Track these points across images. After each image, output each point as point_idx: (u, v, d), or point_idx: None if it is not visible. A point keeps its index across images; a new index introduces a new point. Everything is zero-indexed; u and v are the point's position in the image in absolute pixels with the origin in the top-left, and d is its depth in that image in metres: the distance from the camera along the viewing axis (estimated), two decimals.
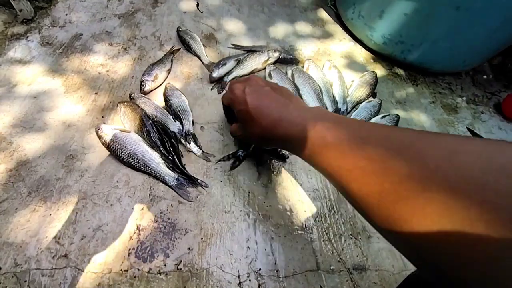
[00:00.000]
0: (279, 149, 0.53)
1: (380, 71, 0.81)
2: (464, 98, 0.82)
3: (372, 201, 0.23)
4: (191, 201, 0.45)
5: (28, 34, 0.65)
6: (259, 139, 0.38)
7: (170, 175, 0.46)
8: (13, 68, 0.57)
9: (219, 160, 0.51)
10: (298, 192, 0.50)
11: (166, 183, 0.46)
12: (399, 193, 0.21)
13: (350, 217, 0.49)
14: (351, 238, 0.47)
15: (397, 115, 0.66)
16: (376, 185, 0.23)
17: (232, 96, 0.40)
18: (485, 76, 0.92)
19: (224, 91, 0.60)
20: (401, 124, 0.67)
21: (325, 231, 0.47)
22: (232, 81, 0.43)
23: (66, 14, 0.71)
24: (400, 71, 0.82)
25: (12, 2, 0.63)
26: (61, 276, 0.36)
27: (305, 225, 0.47)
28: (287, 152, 0.53)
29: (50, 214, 0.40)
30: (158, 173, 0.46)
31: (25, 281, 0.35)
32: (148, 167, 0.46)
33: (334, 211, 0.50)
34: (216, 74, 0.64)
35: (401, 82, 0.80)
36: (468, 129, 0.73)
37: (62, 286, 0.35)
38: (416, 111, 0.73)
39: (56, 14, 0.71)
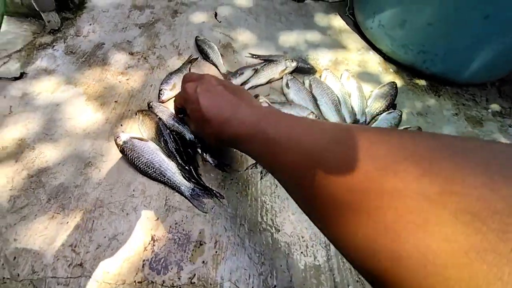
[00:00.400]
0: None
1: (400, 81, 0.78)
2: (490, 110, 0.78)
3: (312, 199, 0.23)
4: (206, 212, 0.45)
5: (54, 44, 0.67)
6: (212, 138, 0.38)
7: (185, 185, 0.46)
8: (39, 76, 0.59)
9: (248, 168, 0.50)
10: None
11: (181, 193, 0.46)
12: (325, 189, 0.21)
13: None
14: None
15: (419, 127, 0.64)
16: (311, 181, 0.23)
17: (184, 95, 0.40)
18: (511, 86, 0.87)
19: None
20: None
21: None
22: (185, 79, 0.43)
23: (90, 24, 0.74)
24: (422, 82, 0.80)
25: (42, 14, 0.66)
26: (76, 285, 0.36)
27: (323, 241, 0.45)
28: None
29: (68, 222, 0.41)
30: (174, 183, 0.46)
31: None
32: (165, 177, 0.46)
33: None
34: (235, 82, 0.64)
35: (422, 93, 0.77)
36: None
37: None
38: (439, 123, 0.70)
39: (80, 24, 0.74)
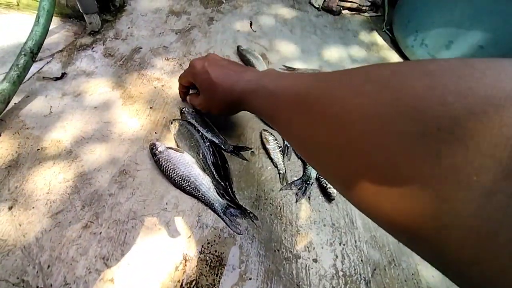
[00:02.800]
0: (324, 184, 0.49)
1: None
2: None
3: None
4: (239, 233, 0.43)
5: (93, 45, 0.68)
6: (221, 103, 0.42)
7: (219, 202, 0.44)
8: (79, 77, 0.60)
9: (282, 188, 0.48)
10: (354, 236, 0.46)
11: (214, 211, 0.44)
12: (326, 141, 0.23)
13: (413, 274, 0.43)
14: None
15: None
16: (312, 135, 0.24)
17: (193, 70, 0.44)
18: None
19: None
20: None
21: (385, 287, 0.41)
22: (191, 60, 0.47)
23: (129, 28, 0.75)
24: None
25: (84, 16, 0.67)
26: None
27: (362, 275, 0.42)
28: (334, 193, 0.48)
29: (101, 232, 0.40)
30: (208, 199, 0.44)
31: None
32: (199, 192, 0.44)
33: (395, 264, 0.44)
34: None
35: None
36: None
37: None
38: None
39: (119, 27, 0.74)
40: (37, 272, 0.35)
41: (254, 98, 0.36)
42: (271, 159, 0.52)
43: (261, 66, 0.68)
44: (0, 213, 0.39)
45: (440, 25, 0.69)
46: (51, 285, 0.35)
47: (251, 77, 0.38)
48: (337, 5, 0.95)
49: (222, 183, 0.46)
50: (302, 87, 0.27)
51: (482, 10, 0.61)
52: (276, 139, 0.54)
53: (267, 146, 0.53)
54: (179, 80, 0.52)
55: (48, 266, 0.36)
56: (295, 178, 0.51)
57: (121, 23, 0.75)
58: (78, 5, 0.65)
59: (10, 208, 0.40)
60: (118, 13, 0.77)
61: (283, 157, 0.52)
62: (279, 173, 0.51)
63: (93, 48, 0.68)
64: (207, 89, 0.43)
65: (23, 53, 0.51)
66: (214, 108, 0.45)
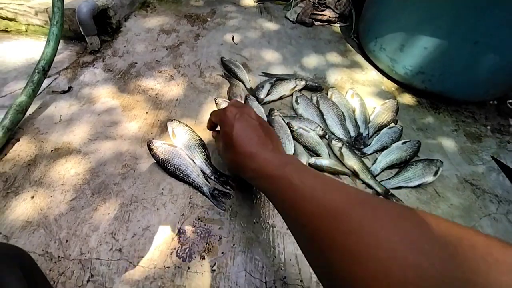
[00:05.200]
0: None
1: (402, 99, 0.85)
2: (489, 127, 0.83)
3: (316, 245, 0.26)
4: (224, 210, 0.51)
5: (94, 62, 0.78)
6: (232, 163, 0.41)
7: (207, 186, 0.53)
8: (83, 90, 0.69)
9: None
10: None
11: (203, 193, 0.52)
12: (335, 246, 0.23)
13: None
14: None
15: (419, 141, 0.69)
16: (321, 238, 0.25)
17: (223, 116, 0.42)
18: (511, 106, 0.92)
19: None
20: (422, 150, 0.69)
21: None
22: (231, 102, 0.46)
23: (125, 46, 0.85)
24: (422, 100, 0.86)
25: (86, 38, 0.77)
26: (116, 266, 0.42)
27: None
28: None
29: (108, 213, 0.48)
30: (197, 184, 0.53)
31: (88, 268, 0.42)
32: (190, 178, 0.53)
33: None
34: (262, 95, 0.73)
35: (423, 110, 0.83)
36: (493, 158, 0.73)
37: (116, 275, 0.41)
38: (438, 138, 0.75)
39: (117, 45, 0.84)
40: (57, 245, 0.43)
41: (271, 183, 0.33)
42: None
43: (242, 74, 0.78)
44: (24, 201, 0.47)
45: (392, 31, 0.81)
46: (69, 255, 0.43)
47: (272, 157, 0.35)
48: (310, 18, 1.07)
49: (211, 168, 0.55)
50: (340, 201, 0.25)
51: (424, 18, 0.72)
52: None
53: None
54: (211, 113, 0.50)
55: (66, 241, 0.44)
56: None
57: (118, 42, 0.86)
58: (80, 29, 0.76)
59: (32, 197, 0.48)
60: (115, 34, 0.88)
61: None
62: None
63: (94, 65, 0.77)
64: (225, 143, 0.42)
65: (36, 71, 0.60)
66: (226, 160, 0.45)
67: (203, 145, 0.59)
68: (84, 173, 0.53)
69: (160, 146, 0.55)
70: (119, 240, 0.45)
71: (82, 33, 0.77)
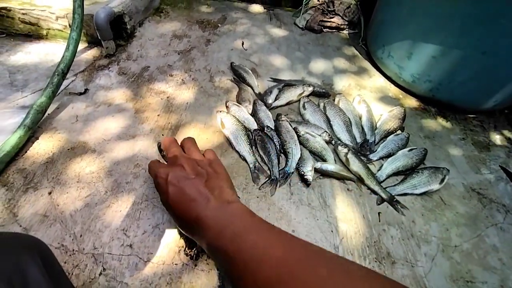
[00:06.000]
0: (302, 172, 0.59)
1: (410, 106, 0.85)
2: (498, 137, 0.82)
3: None
4: (259, 189, 0.56)
5: (109, 66, 0.81)
6: (182, 228, 0.40)
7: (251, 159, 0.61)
8: (98, 92, 0.72)
9: (260, 187, 0.58)
10: (326, 212, 0.55)
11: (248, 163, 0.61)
12: None
13: (375, 242, 0.53)
14: (376, 261, 0.50)
15: (425, 149, 0.70)
16: None
17: (155, 180, 0.40)
18: None
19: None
20: (429, 158, 0.70)
21: (350, 251, 0.51)
22: (155, 164, 0.42)
23: (139, 50, 0.88)
24: (430, 107, 0.86)
25: (102, 42, 0.80)
26: (127, 261, 0.44)
27: (332, 243, 0.51)
28: (310, 178, 0.58)
29: (120, 210, 0.50)
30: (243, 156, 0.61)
31: (100, 261, 0.44)
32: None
33: (360, 234, 0.53)
34: (270, 100, 0.75)
35: (430, 118, 0.83)
36: (502, 167, 0.73)
37: (127, 269, 0.43)
38: (445, 146, 0.75)
39: (131, 50, 0.88)
40: (72, 239, 0.45)
41: (213, 253, 0.33)
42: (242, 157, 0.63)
43: (251, 79, 0.80)
44: (42, 197, 0.50)
45: (400, 39, 0.81)
46: (83, 249, 0.45)
47: (211, 220, 0.33)
48: (319, 24, 1.09)
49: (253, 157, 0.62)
50: (272, 273, 0.26)
51: (432, 27, 0.73)
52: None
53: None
54: (149, 165, 0.45)
55: (81, 235, 0.46)
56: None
57: (132, 47, 0.89)
58: (97, 33, 0.79)
59: (50, 193, 0.51)
60: (129, 38, 0.91)
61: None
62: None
63: (109, 68, 0.81)
64: (167, 208, 0.39)
65: (56, 73, 0.63)
66: (173, 218, 0.41)
67: (248, 135, 0.65)
68: (98, 171, 0.55)
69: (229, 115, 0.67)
70: (130, 236, 0.47)
71: (99, 38, 0.80)
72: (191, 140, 0.47)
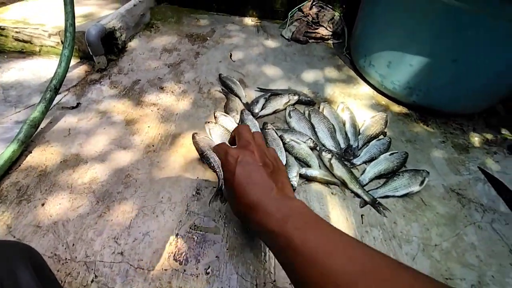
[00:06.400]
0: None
1: (392, 112, 0.89)
2: (477, 139, 0.86)
3: None
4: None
5: (101, 80, 0.84)
6: (237, 214, 0.39)
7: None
8: (90, 106, 0.74)
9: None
10: None
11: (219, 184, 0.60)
12: None
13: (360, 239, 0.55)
14: None
15: (406, 152, 0.73)
16: None
17: (224, 160, 0.39)
18: (498, 118, 0.96)
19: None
20: (410, 161, 0.73)
21: None
22: (225, 144, 0.42)
23: (129, 64, 0.91)
24: (411, 112, 0.90)
25: (93, 57, 0.83)
26: (118, 268, 0.46)
27: None
28: (295, 184, 0.61)
29: (112, 220, 0.52)
30: (219, 175, 0.60)
31: (92, 269, 0.45)
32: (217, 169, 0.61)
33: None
34: (257, 110, 0.78)
35: (412, 123, 0.87)
36: (480, 168, 0.76)
37: (118, 276, 0.45)
38: (426, 149, 0.79)
39: (122, 64, 0.91)
40: (65, 248, 0.47)
41: (272, 240, 0.31)
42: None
43: (238, 89, 0.84)
44: (35, 208, 0.51)
45: (379, 49, 0.86)
46: (76, 257, 0.46)
47: (274, 210, 0.32)
48: (304, 35, 1.14)
49: None
50: (344, 270, 0.24)
51: (407, 37, 0.78)
52: None
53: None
54: (213, 148, 0.45)
55: (73, 244, 0.48)
56: None
57: (123, 61, 0.92)
58: (89, 49, 0.82)
59: (43, 204, 0.52)
60: (120, 53, 0.94)
61: None
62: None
63: (101, 82, 0.83)
64: (228, 189, 0.39)
65: (49, 89, 0.66)
66: (231, 209, 0.41)
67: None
68: (90, 182, 0.57)
69: (201, 138, 0.67)
70: (121, 244, 0.49)
71: (91, 53, 0.83)
72: (261, 134, 0.46)
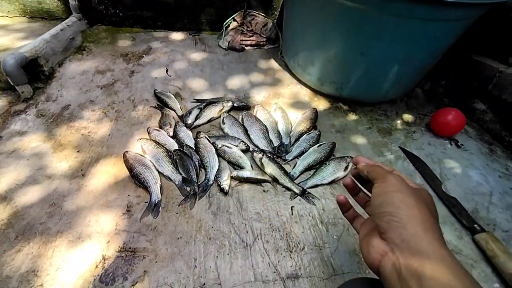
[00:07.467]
0: (219, 182, 0.65)
1: (323, 106, 0.96)
2: (399, 122, 0.95)
3: None
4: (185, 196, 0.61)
5: (27, 110, 0.81)
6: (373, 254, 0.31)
7: (157, 196, 0.61)
8: (13, 138, 0.71)
9: (180, 204, 0.61)
10: (242, 216, 0.60)
11: (151, 198, 0.61)
12: None
13: (287, 233, 0.58)
14: (287, 251, 0.55)
15: (333, 142, 0.79)
16: None
17: (395, 179, 0.33)
18: (417, 100, 1.07)
19: None
20: (339, 150, 0.79)
21: (264, 246, 0.56)
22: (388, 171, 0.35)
23: (58, 90, 0.89)
24: (341, 105, 0.97)
25: (16, 87, 0.80)
26: None
27: (247, 243, 0.56)
28: (226, 187, 0.64)
29: (32, 252, 0.50)
30: (152, 190, 0.57)
31: None
32: (148, 184, 0.57)
33: (273, 229, 0.59)
34: (190, 121, 0.81)
35: (341, 114, 0.94)
36: (400, 148, 0.85)
37: None
38: (353, 137, 0.86)
39: (50, 91, 0.88)
40: None
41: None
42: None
43: (173, 103, 0.85)
44: None
45: (302, 50, 0.93)
46: None
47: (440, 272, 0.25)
48: (240, 44, 1.19)
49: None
50: None
51: (321, 37, 0.85)
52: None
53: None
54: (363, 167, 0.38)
55: None
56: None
57: (52, 88, 0.90)
58: (9, 79, 0.79)
59: None
60: (48, 80, 0.92)
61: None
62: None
63: (26, 112, 0.80)
64: (387, 202, 0.31)
65: None
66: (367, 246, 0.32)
67: (169, 156, 0.69)
68: (8, 217, 0.55)
69: (132, 155, 0.68)
70: (41, 276, 0.47)
71: (12, 84, 0.80)
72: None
